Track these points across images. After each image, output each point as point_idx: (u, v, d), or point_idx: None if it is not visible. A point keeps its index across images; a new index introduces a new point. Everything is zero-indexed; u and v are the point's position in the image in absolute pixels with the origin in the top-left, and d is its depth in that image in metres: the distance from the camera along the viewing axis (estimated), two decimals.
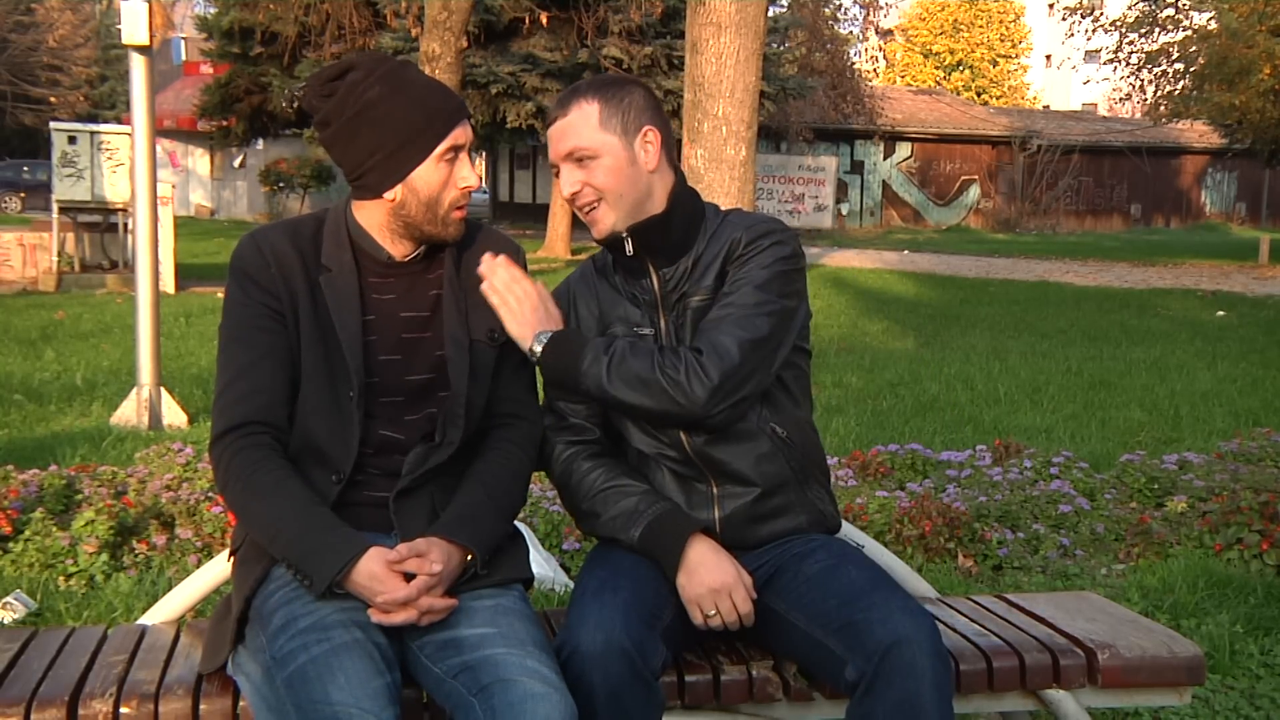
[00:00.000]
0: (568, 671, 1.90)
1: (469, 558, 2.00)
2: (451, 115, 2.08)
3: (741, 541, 2.23)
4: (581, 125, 2.15)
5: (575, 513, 2.28)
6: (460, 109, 2.10)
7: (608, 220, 2.18)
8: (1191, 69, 21.29)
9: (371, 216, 2.13)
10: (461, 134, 2.09)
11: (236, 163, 36.04)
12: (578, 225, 23.12)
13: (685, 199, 2.24)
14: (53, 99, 38.42)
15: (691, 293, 2.21)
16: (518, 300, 2.15)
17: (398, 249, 2.14)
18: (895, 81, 46.12)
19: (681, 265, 2.22)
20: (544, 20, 18.83)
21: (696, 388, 2.07)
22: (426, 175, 2.07)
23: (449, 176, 2.09)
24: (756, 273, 2.15)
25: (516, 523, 2.21)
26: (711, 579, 2.09)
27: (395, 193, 2.08)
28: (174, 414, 6.42)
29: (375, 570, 1.90)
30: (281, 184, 30.99)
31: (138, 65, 6.37)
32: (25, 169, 34.71)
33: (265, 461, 2.01)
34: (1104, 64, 23.77)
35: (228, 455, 2.02)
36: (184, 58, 37.27)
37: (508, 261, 2.18)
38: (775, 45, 23.26)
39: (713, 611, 2.09)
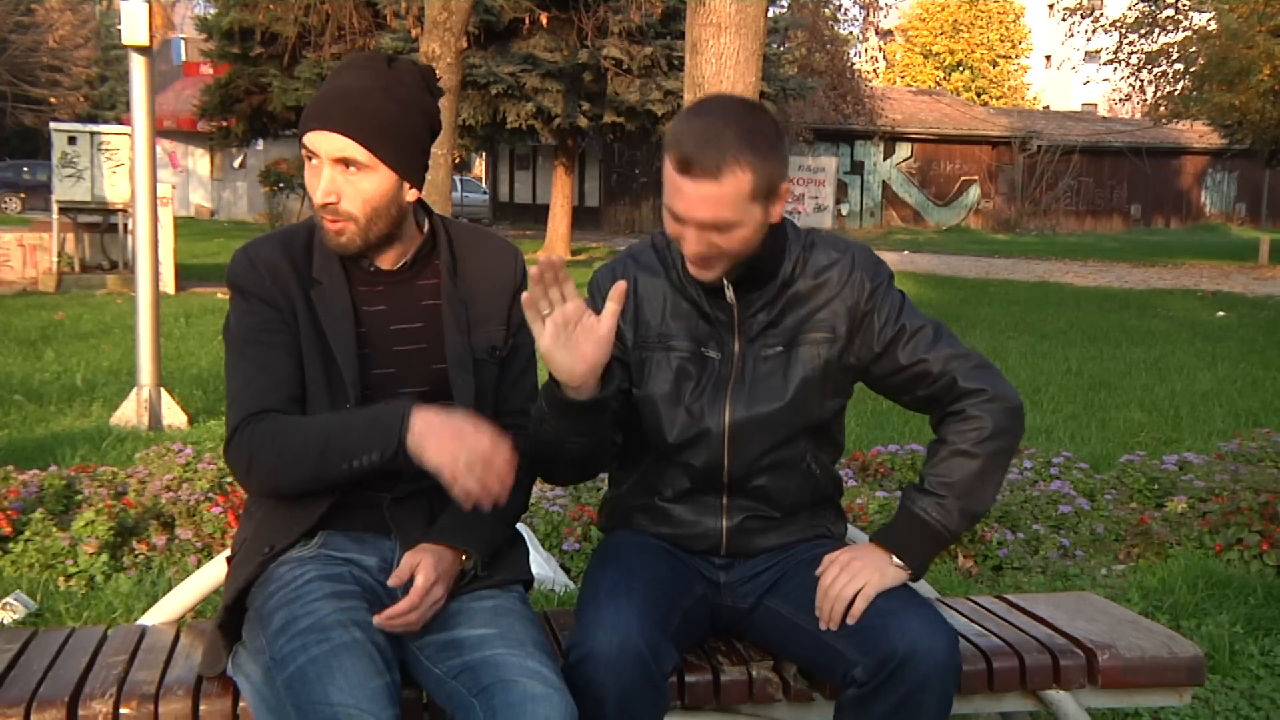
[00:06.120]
0: (580, 673, 1.88)
1: (464, 558, 2.00)
2: (320, 117, 1.98)
3: (744, 550, 2.22)
4: (734, 197, 1.96)
5: (543, 463, 2.14)
6: (330, 118, 1.97)
7: (718, 270, 2.08)
8: (1191, 69, 21.30)
9: None
10: (319, 140, 1.97)
11: (236, 163, 36.04)
12: (578, 226, 23.16)
13: (779, 231, 2.12)
14: (53, 99, 38.43)
15: (805, 328, 2.15)
16: None
17: (377, 256, 2.10)
18: (895, 82, 46.13)
19: (768, 290, 2.15)
20: (544, 21, 18.82)
21: (1000, 408, 2.26)
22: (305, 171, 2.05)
23: (314, 180, 2.02)
24: (907, 317, 2.22)
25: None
26: None
27: None
28: (174, 414, 6.42)
29: (431, 418, 1.89)
30: (281, 184, 30.92)
31: (138, 65, 6.37)
32: (25, 169, 34.65)
33: (285, 419, 1.99)
34: (1104, 64, 23.78)
35: (248, 436, 1.98)
36: (184, 58, 37.29)
37: None
38: (775, 45, 23.25)
39: None
